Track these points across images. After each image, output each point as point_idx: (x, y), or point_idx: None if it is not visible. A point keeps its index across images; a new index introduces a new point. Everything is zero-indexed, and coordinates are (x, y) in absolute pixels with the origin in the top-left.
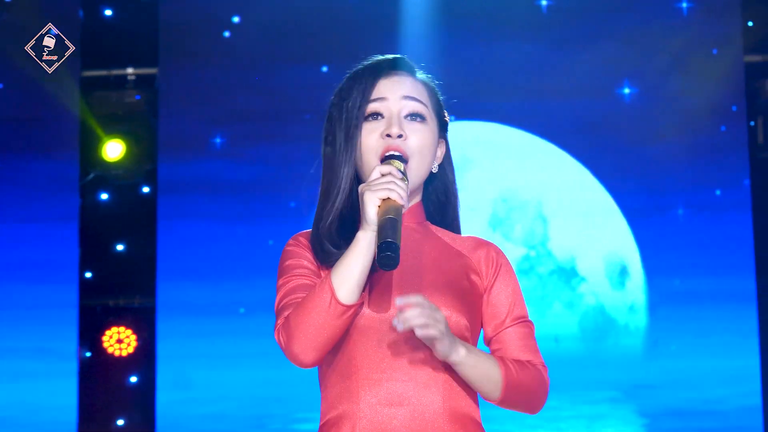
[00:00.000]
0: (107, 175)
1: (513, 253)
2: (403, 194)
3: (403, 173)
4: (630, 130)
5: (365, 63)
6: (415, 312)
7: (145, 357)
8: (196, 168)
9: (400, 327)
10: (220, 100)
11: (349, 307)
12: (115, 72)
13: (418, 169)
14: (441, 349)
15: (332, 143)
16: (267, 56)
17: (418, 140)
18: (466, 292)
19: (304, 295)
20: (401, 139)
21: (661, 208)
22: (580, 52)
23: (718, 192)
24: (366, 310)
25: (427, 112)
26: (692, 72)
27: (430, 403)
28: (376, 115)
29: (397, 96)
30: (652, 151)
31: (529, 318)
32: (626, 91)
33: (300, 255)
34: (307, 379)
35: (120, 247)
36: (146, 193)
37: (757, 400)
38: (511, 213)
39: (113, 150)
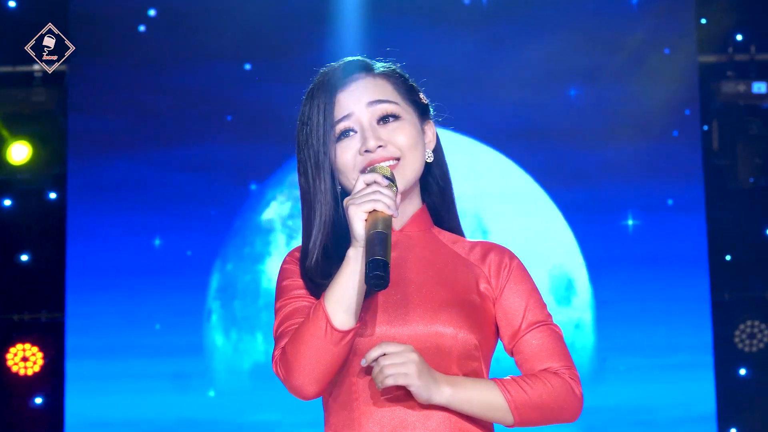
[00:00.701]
0: (11, 179)
1: None
2: (391, 203)
3: (390, 179)
4: (576, 134)
5: (318, 78)
6: (376, 369)
7: (52, 376)
8: (108, 172)
9: (363, 363)
10: (135, 99)
11: (346, 332)
12: (21, 68)
13: (413, 165)
14: (416, 392)
15: (305, 174)
16: (186, 52)
17: (401, 139)
18: (476, 306)
19: (301, 319)
20: (382, 149)
21: (610, 219)
22: (523, 49)
23: (670, 201)
24: (367, 331)
25: (398, 107)
26: (643, 73)
27: (436, 427)
28: (347, 132)
29: (362, 105)
30: (600, 158)
31: (552, 321)
32: (572, 92)
33: (297, 273)
34: (227, 401)
35: (25, 258)
36: (54, 199)
37: (711, 426)
38: None
39: (18, 153)
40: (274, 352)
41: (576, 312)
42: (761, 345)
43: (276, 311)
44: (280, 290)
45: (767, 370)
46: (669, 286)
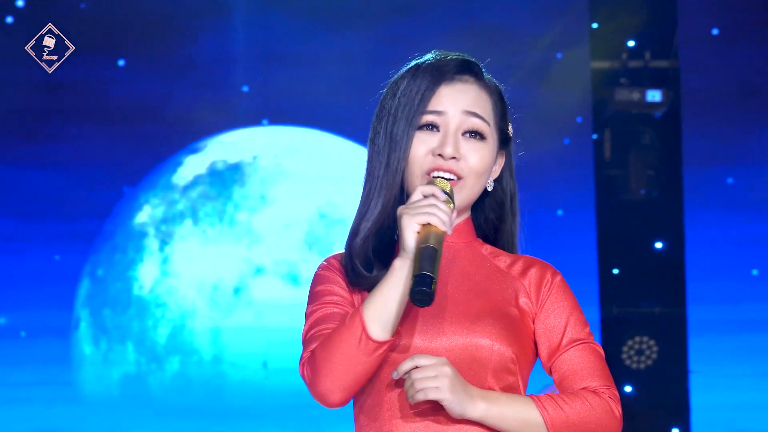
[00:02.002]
0: None
1: None
2: (446, 219)
3: (449, 194)
4: None
5: (427, 59)
6: (407, 383)
7: None
8: None
9: (395, 375)
10: (2, 94)
11: (381, 343)
12: None
13: (471, 189)
14: (450, 407)
15: (379, 150)
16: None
17: (475, 161)
18: (514, 320)
19: (332, 325)
20: (455, 161)
21: None
22: (413, 50)
23: (560, 212)
24: (402, 341)
25: (488, 128)
26: (533, 78)
27: None
28: (431, 126)
29: (458, 110)
30: None
31: (593, 339)
32: None
33: (331, 280)
34: (95, 412)
35: None
36: None
37: None
38: (329, 230)
39: None
40: (302, 355)
41: None
42: (649, 362)
43: (306, 316)
44: (313, 295)
45: (654, 388)
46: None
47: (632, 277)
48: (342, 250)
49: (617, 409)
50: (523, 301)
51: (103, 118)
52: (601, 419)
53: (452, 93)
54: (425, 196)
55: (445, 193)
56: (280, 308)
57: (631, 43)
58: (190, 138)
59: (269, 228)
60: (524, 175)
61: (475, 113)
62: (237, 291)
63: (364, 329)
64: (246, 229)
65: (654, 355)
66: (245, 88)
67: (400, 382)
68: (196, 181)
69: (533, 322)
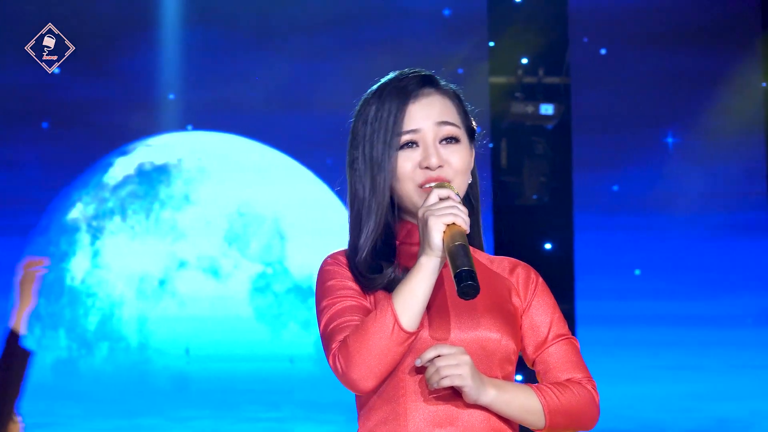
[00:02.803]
0: None
1: (249, 270)
2: (467, 219)
3: (459, 195)
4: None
5: (389, 82)
6: (431, 370)
7: None
8: None
9: (419, 363)
10: None
11: (411, 333)
12: None
13: (461, 187)
14: (468, 392)
15: (361, 174)
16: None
17: (457, 162)
18: (511, 314)
19: (355, 317)
20: (441, 168)
21: None
22: (323, 63)
23: None
24: (423, 334)
25: (459, 131)
26: None
27: (476, 422)
28: (410, 144)
29: (431, 123)
30: None
31: (571, 334)
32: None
33: (341, 275)
34: (28, 396)
35: None
36: None
37: None
38: (248, 228)
39: None
40: (330, 346)
41: None
42: None
43: (322, 309)
44: (326, 290)
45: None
46: None
47: None
48: (344, 248)
49: (597, 398)
50: (514, 299)
51: (39, 121)
52: (586, 407)
53: (421, 108)
54: (442, 199)
55: (457, 194)
56: (201, 299)
57: (524, 61)
58: (120, 141)
59: (192, 225)
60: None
61: (446, 121)
62: (162, 283)
63: (396, 321)
64: (171, 226)
65: None
66: (171, 96)
67: (418, 369)
68: (125, 181)
69: (520, 318)
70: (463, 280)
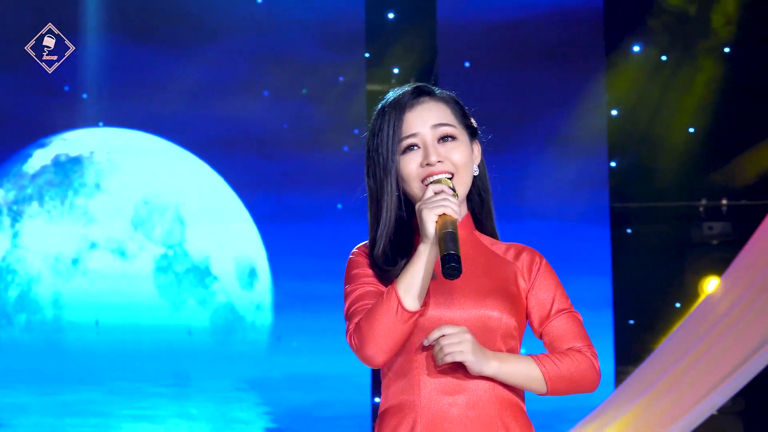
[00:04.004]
0: None
1: (152, 251)
2: (456, 208)
3: (452, 188)
4: (262, 145)
5: (388, 98)
6: (437, 348)
7: None
8: None
9: (426, 342)
10: None
11: (413, 313)
12: None
13: (464, 179)
14: (470, 366)
15: (373, 176)
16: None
17: (457, 157)
18: (514, 296)
19: (371, 301)
20: (441, 163)
21: (288, 218)
22: (220, 70)
23: (339, 206)
24: (428, 312)
25: (456, 129)
26: (321, 97)
27: (483, 392)
28: (412, 147)
29: (427, 127)
30: (283, 166)
31: (573, 309)
32: (261, 106)
33: (364, 264)
34: None
35: None
36: None
37: (366, 391)
38: (152, 215)
39: None
40: (348, 327)
41: (257, 295)
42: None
43: (346, 294)
44: (350, 277)
45: None
46: (336, 277)
47: None
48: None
49: (597, 364)
50: (519, 281)
51: None
52: (585, 372)
53: (417, 115)
54: (436, 193)
55: (450, 188)
56: (110, 277)
57: (396, 71)
58: (38, 135)
59: (102, 211)
60: (311, 172)
61: (441, 123)
62: (75, 262)
63: (399, 303)
64: (83, 211)
65: None
66: (85, 96)
67: (428, 347)
68: (42, 171)
69: (526, 298)
70: (446, 263)
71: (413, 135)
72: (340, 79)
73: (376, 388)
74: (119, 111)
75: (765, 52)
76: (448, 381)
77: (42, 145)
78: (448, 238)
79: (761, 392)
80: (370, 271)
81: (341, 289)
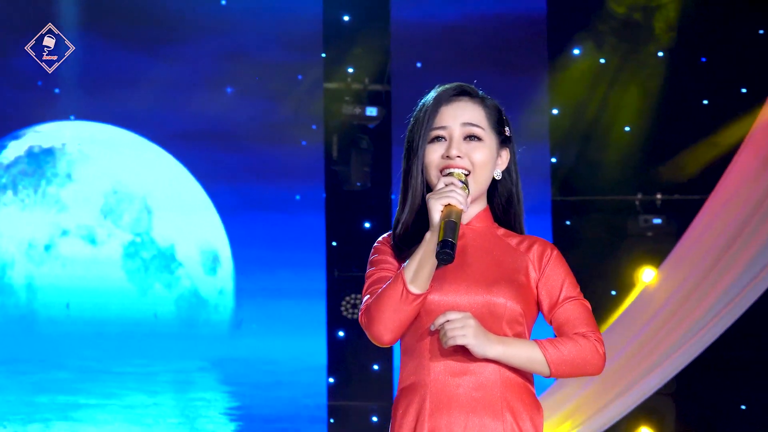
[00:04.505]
0: None
1: (121, 238)
2: (462, 200)
3: (464, 182)
4: (225, 139)
5: (434, 90)
6: (442, 332)
7: None
8: None
9: (432, 328)
10: None
11: (418, 296)
12: None
13: (479, 179)
14: (473, 349)
15: (407, 158)
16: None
17: (477, 157)
18: (522, 285)
19: (384, 285)
20: (460, 159)
21: (249, 208)
22: (185, 65)
23: (297, 197)
24: (436, 297)
25: (484, 132)
26: (281, 94)
27: (489, 374)
28: (439, 138)
29: (457, 123)
30: (245, 159)
31: (582, 297)
32: (224, 102)
33: (385, 252)
34: None
35: None
36: None
37: (322, 373)
38: (121, 204)
39: None
40: (361, 307)
41: (220, 281)
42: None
43: (366, 278)
44: (371, 263)
45: (364, 334)
46: (295, 264)
47: (348, 249)
48: (390, 232)
49: (601, 349)
50: (530, 271)
51: None
52: (588, 356)
53: (451, 111)
54: (446, 185)
55: (461, 181)
56: (80, 262)
57: (351, 70)
58: (13, 127)
59: (73, 199)
60: (272, 165)
61: (471, 123)
62: (47, 248)
63: (405, 286)
64: (55, 200)
65: None
66: (57, 90)
67: (436, 331)
68: (16, 161)
69: (536, 287)
70: (441, 249)
71: (443, 128)
72: (299, 77)
73: (331, 369)
74: (90, 105)
75: (701, 57)
76: (455, 363)
77: (16, 137)
78: (446, 226)
79: (692, 375)
80: (388, 258)
81: (299, 275)
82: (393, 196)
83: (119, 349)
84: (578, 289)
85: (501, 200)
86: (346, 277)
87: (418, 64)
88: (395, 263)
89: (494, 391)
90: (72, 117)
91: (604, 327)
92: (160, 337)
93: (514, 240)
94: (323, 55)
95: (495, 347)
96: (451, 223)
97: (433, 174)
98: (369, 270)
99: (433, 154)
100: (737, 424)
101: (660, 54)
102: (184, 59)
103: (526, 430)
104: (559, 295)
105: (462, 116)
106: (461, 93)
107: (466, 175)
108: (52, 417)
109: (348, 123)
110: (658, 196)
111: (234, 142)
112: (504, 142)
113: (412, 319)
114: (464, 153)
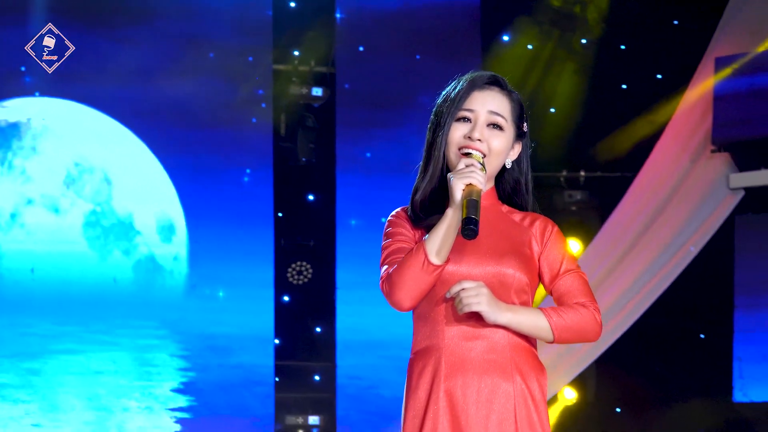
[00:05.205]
0: None
1: (82, 208)
2: (482, 180)
3: (482, 165)
4: (182, 116)
5: (468, 74)
6: (457, 300)
7: None
8: None
9: (448, 295)
10: None
11: (437, 266)
12: None
13: (492, 164)
14: (486, 316)
15: (433, 130)
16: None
17: (495, 144)
18: (527, 257)
19: (402, 255)
20: (480, 142)
21: (203, 181)
22: (145, 48)
23: (248, 170)
24: (451, 267)
25: (506, 123)
26: (234, 75)
27: (498, 338)
28: (465, 119)
29: (485, 109)
30: (199, 135)
31: (580, 269)
32: (181, 82)
33: (400, 225)
34: None
35: None
36: None
37: (270, 338)
38: (82, 175)
39: None
40: (381, 275)
41: (175, 248)
42: (305, 279)
43: (383, 248)
44: (387, 234)
45: (308, 298)
46: (245, 233)
47: (293, 219)
48: (404, 206)
49: (599, 317)
50: (533, 245)
51: None
52: (588, 324)
53: (481, 97)
54: (467, 166)
55: (480, 163)
56: (44, 230)
57: (297, 53)
58: None
59: (38, 171)
60: (225, 141)
61: (496, 112)
62: (13, 216)
63: (426, 256)
64: (21, 171)
65: (309, 275)
66: (23, 68)
67: (451, 298)
68: None
69: (538, 260)
70: (466, 225)
71: (470, 110)
72: (250, 59)
73: (277, 332)
74: (53, 82)
75: (620, 45)
76: (469, 328)
77: None
78: (470, 204)
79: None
80: (404, 231)
81: (248, 244)
82: (337, 172)
83: (80, 311)
84: (576, 263)
85: (507, 187)
86: (291, 245)
87: (361, 48)
88: (410, 235)
89: (504, 354)
90: (37, 93)
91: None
92: (118, 300)
93: (517, 216)
94: (272, 38)
95: (505, 314)
96: (474, 201)
97: (452, 150)
98: (385, 241)
99: (457, 132)
100: (657, 388)
101: (583, 41)
102: (143, 41)
103: (533, 390)
104: (560, 268)
105: (490, 104)
106: (494, 83)
107: (483, 158)
108: (17, 376)
109: (295, 102)
110: (582, 173)
111: (189, 119)
112: (520, 135)
113: (431, 287)
114: (485, 138)
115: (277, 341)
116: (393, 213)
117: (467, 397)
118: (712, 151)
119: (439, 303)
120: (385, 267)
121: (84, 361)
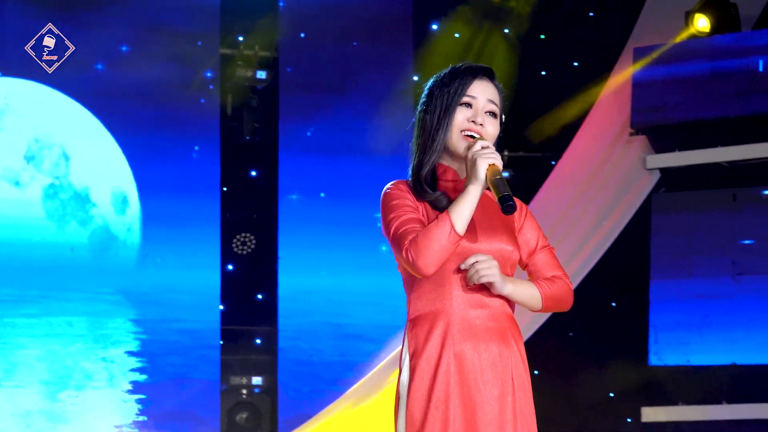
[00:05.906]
0: None
1: (42, 181)
2: (501, 162)
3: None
4: (135, 96)
5: (462, 65)
6: (472, 271)
7: None
8: None
9: (463, 266)
10: None
11: (461, 237)
12: None
13: None
14: (496, 286)
15: (432, 113)
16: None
17: (491, 130)
18: (515, 235)
19: (416, 225)
20: (481, 126)
21: (155, 157)
22: (101, 31)
23: (196, 148)
24: (465, 243)
25: (498, 109)
26: (183, 58)
27: (498, 307)
28: (468, 104)
29: (484, 98)
30: (152, 114)
31: (550, 245)
32: (134, 64)
33: (403, 196)
34: None
35: None
36: None
37: (215, 302)
38: (42, 150)
39: None
40: (403, 243)
41: (129, 219)
42: (249, 250)
43: (391, 219)
44: (392, 206)
45: (251, 268)
46: (193, 206)
47: (238, 193)
48: (401, 179)
49: (571, 288)
50: (514, 223)
51: None
52: (565, 295)
53: (481, 86)
54: (483, 147)
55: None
56: (5, 201)
57: (241, 38)
58: None
59: (0, 147)
60: (175, 121)
61: (493, 101)
62: None
63: (452, 227)
64: None
65: (252, 246)
66: None
67: (459, 263)
68: None
69: (517, 237)
70: (505, 202)
71: (473, 97)
72: (199, 43)
73: (222, 298)
74: (15, 63)
75: (540, 35)
76: (474, 297)
77: None
78: (503, 182)
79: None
80: (407, 202)
81: (196, 216)
82: (279, 150)
83: (40, 278)
84: (547, 239)
85: None
86: (236, 218)
87: (302, 35)
88: (416, 204)
89: (503, 321)
90: (0, 74)
91: None
92: (75, 269)
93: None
94: (219, 24)
95: (508, 286)
96: (502, 179)
97: (456, 131)
98: (393, 213)
99: (460, 115)
100: (575, 352)
101: (506, 30)
102: (100, 26)
103: (521, 353)
104: (536, 245)
105: (488, 93)
106: (487, 74)
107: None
108: None
109: (240, 84)
110: (506, 153)
111: (143, 99)
112: (501, 123)
113: (450, 256)
114: (484, 123)
115: (222, 307)
116: (391, 185)
117: (474, 360)
118: (631, 134)
119: (448, 273)
120: (405, 236)
121: (43, 325)
